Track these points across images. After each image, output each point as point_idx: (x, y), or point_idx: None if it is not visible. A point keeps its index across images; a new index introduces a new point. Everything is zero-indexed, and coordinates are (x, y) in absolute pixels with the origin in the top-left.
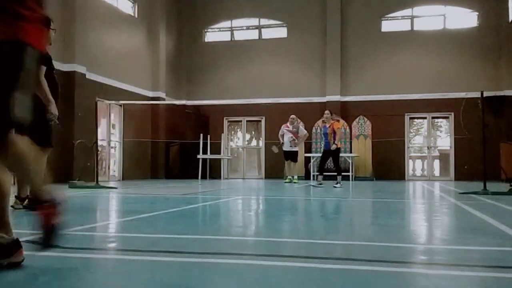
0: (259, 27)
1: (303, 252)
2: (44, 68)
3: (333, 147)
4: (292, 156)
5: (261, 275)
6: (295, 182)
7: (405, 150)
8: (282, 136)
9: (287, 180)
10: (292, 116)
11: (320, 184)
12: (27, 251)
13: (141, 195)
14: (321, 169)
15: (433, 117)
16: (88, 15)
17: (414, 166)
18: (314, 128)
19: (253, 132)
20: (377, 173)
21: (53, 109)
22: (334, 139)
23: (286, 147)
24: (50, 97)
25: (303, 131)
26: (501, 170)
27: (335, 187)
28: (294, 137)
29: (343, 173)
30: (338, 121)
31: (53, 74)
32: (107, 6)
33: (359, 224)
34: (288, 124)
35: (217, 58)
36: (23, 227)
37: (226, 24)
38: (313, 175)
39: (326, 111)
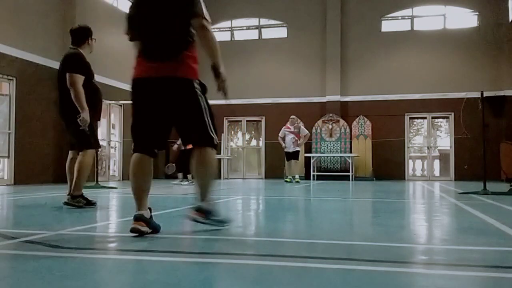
0: (259, 27)
1: (303, 252)
2: (82, 77)
3: (174, 147)
4: (294, 155)
5: (261, 275)
6: (297, 182)
7: (405, 150)
8: (283, 138)
9: (287, 179)
10: (292, 116)
11: (190, 182)
12: (27, 251)
13: None
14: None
15: (433, 117)
16: (88, 15)
17: (414, 166)
18: (314, 128)
19: (253, 132)
20: (377, 173)
21: (86, 116)
22: None
23: (290, 149)
24: (85, 104)
25: (304, 131)
26: (501, 170)
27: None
28: (296, 138)
29: (343, 173)
30: None
31: (94, 83)
32: (107, 6)
33: (359, 224)
34: (288, 124)
35: None
36: (31, 227)
37: (226, 24)
38: (313, 175)
39: None
